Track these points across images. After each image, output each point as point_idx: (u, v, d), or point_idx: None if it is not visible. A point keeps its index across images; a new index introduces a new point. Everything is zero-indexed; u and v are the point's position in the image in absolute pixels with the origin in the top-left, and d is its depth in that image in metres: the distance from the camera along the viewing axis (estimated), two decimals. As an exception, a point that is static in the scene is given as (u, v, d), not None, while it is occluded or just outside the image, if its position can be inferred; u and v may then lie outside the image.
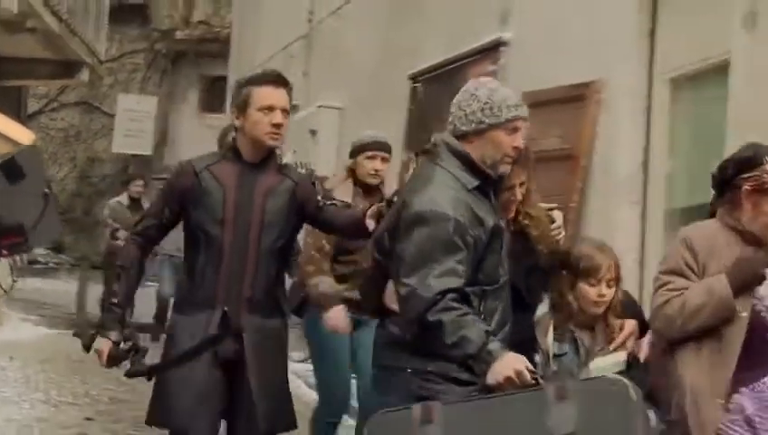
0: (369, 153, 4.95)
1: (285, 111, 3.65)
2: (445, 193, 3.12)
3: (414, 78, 8.55)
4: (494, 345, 2.96)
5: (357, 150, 4.99)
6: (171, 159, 17.44)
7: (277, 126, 3.62)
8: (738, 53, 5.20)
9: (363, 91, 9.89)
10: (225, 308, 3.61)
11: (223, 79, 16.19)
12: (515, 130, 3.21)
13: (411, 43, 8.74)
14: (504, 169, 3.26)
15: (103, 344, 3.64)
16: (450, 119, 3.25)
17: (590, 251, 3.58)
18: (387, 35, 9.40)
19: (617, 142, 5.96)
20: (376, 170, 4.93)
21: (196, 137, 15.94)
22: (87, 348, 3.74)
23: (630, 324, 3.55)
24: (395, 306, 3.19)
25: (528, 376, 2.90)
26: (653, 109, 5.87)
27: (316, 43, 11.79)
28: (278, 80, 3.69)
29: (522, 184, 3.54)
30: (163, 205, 3.74)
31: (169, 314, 9.91)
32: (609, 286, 3.53)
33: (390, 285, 3.24)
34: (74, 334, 9.57)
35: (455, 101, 3.27)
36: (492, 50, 7.28)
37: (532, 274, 3.56)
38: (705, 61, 5.52)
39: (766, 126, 4.97)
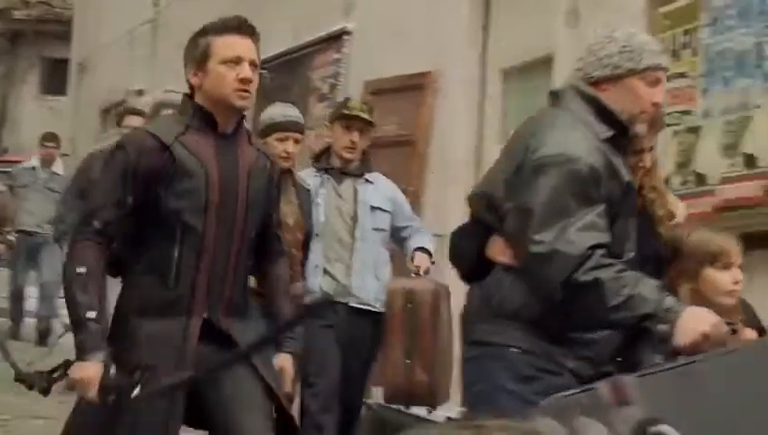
0: (281, 134, 4.34)
1: (254, 65, 2.97)
2: (576, 137, 2.63)
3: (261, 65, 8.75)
4: (670, 300, 2.52)
5: (266, 130, 4.36)
6: (10, 141, 17.04)
7: (245, 81, 2.92)
8: (561, 48, 5.64)
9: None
10: (206, 315, 2.94)
11: (65, 61, 15.91)
12: (657, 81, 2.73)
13: (257, 30, 8.93)
14: (641, 127, 2.75)
15: (90, 370, 2.77)
16: (579, 65, 2.79)
17: (711, 235, 3.09)
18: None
19: (452, 129, 6.34)
20: (287, 153, 4.30)
21: (37, 119, 15.66)
22: (45, 390, 2.94)
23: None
24: (503, 258, 2.69)
25: (725, 327, 2.49)
26: (486, 98, 6.26)
27: (162, 28, 11.79)
28: (243, 27, 3.01)
29: (651, 149, 3.07)
30: (123, 191, 2.88)
31: (27, 305, 9.28)
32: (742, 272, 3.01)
33: (497, 239, 2.71)
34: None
35: (587, 46, 2.80)
36: (336, 39, 7.55)
37: (648, 264, 2.87)
38: (532, 54, 5.94)
39: None
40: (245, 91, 2.93)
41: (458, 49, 6.30)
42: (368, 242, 4.61)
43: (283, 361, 3.24)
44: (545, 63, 5.76)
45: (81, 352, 2.81)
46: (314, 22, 7.84)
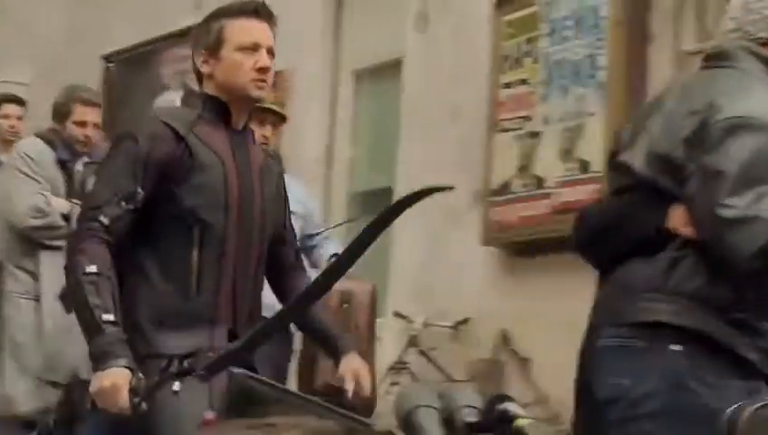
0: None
1: (271, 53, 2.72)
2: (764, 99, 2.44)
3: (107, 58, 8.68)
4: None
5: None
6: None
7: (264, 70, 2.68)
8: (410, 51, 5.89)
9: (52, 68, 9.84)
10: (230, 325, 2.66)
11: None
12: None
13: (103, 23, 8.86)
14: None
15: (117, 377, 2.42)
16: (730, 25, 2.59)
17: None
18: (77, 14, 9.43)
19: (304, 129, 6.49)
20: None
21: None
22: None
23: None
24: (685, 230, 2.40)
25: None
26: (338, 99, 6.46)
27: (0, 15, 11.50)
28: (261, 11, 2.74)
29: None
30: (133, 183, 2.58)
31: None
32: None
33: (678, 209, 2.44)
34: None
35: (741, 3, 2.59)
36: (186, 35, 7.58)
37: None
38: (383, 57, 6.17)
39: (434, 117, 5.72)
40: (263, 81, 2.67)
41: (311, 49, 6.46)
42: None
43: (353, 361, 2.87)
44: (395, 67, 6.01)
45: (102, 360, 2.44)
46: (163, 17, 7.85)
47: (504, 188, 5.24)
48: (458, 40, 5.68)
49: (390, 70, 6.11)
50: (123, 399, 2.38)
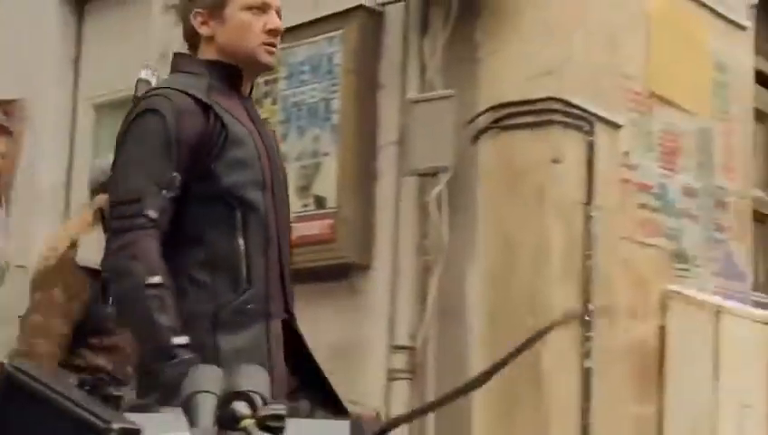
0: None
1: (279, 14, 2.51)
2: None
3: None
4: None
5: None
6: None
7: (274, 32, 2.46)
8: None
9: None
10: (284, 316, 2.43)
11: None
12: None
13: None
14: None
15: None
16: None
17: None
18: None
19: (41, 159, 6.61)
20: None
21: None
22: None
23: None
24: None
25: None
26: (77, 131, 6.61)
27: None
28: None
29: None
30: (170, 166, 2.27)
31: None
32: None
33: None
34: None
35: None
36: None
37: None
38: (123, 91, 6.37)
39: None
40: (273, 45, 2.45)
41: (50, 80, 6.59)
42: None
43: None
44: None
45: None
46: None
47: None
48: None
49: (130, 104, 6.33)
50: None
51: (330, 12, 5.42)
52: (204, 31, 2.45)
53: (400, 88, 5.25)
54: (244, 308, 2.30)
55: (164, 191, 2.24)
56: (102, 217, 3.26)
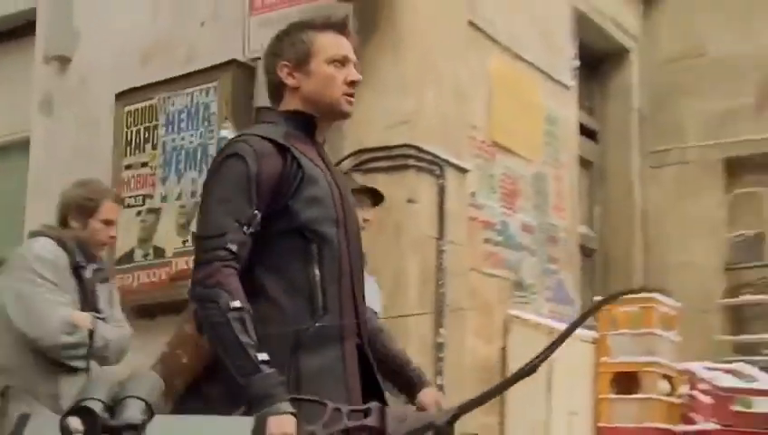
0: None
1: (358, 69, 2.56)
2: None
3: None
4: None
5: None
6: None
7: (354, 84, 2.51)
8: (36, 132, 6.07)
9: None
10: (358, 340, 2.47)
11: None
12: None
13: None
14: None
15: (288, 425, 2.18)
16: None
17: None
18: None
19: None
20: None
21: None
22: None
23: None
24: None
25: None
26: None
27: None
28: (345, 26, 2.58)
29: None
30: (250, 205, 2.34)
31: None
32: None
33: None
34: None
35: None
36: None
37: None
38: (10, 136, 6.28)
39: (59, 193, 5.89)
40: (353, 95, 2.52)
41: None
42: None
43: (434, 393, 2.74)
44: (23, 145, 6.12)
45: (267, 403, 2.17)
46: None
47: (128, 258, 5.51)
48: (83, 125, 5.95)
49: (18, 148, 6.23)
50: None
51: (205, 65, 5.46)
52: (290, 82, 2.49)
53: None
54: (321, 332, 2.36)
55: (244, 227, 2.31)
56: None
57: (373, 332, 2.63)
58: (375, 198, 4.06)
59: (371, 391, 2.42)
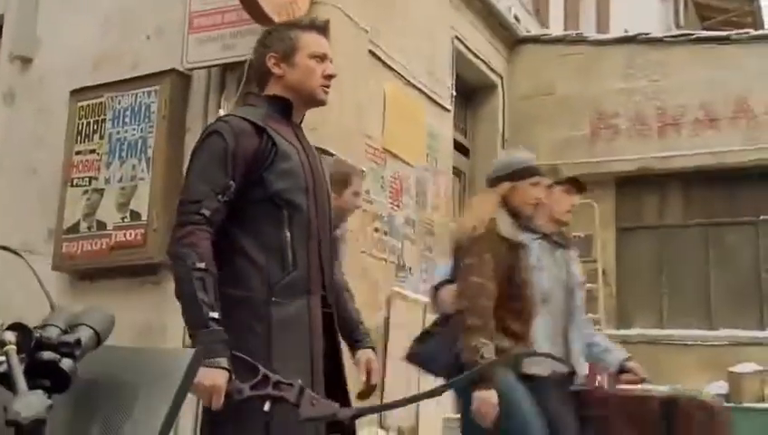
0: (534, 179, 3.52)
1: (332, 63, 2.68)
2: None
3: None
4: None
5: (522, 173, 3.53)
6: None
7: (331, 77, 2.63)
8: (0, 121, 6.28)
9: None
10: (322, 292, 2.55)
11: None
12: None
13: None
14: None
15: (218, 378, 2.23)
16: None
17: None
18: None
19: None
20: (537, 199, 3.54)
21: None
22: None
23: None
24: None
25: None
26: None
27: None
28: (326, 29, 2.71)
29: None
30: (225, 176, 2.44)
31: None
32: None
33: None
34: None
35: None
36: None
37: None
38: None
39: (18, 174, 6.03)
40: (329, 86, 2.63)
41: None
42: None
43: (369, 354, 2.99)
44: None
45: (205, 356, 2.21)
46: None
47: (74, 229, 5.75)
48: (40, 115, 6.22)
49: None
50: (219, 400, 2.23)
51: (149, 72, 5.75)
52: (276, 71, 2.62)
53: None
54: (290, 283, 2.45)
55: (219, 196, 2.42)
56: (504, 202, 3.43)
57: (339, 288, 2.85)
58: (579, 187, 3.95)
59: (331, 336, 2.57)
